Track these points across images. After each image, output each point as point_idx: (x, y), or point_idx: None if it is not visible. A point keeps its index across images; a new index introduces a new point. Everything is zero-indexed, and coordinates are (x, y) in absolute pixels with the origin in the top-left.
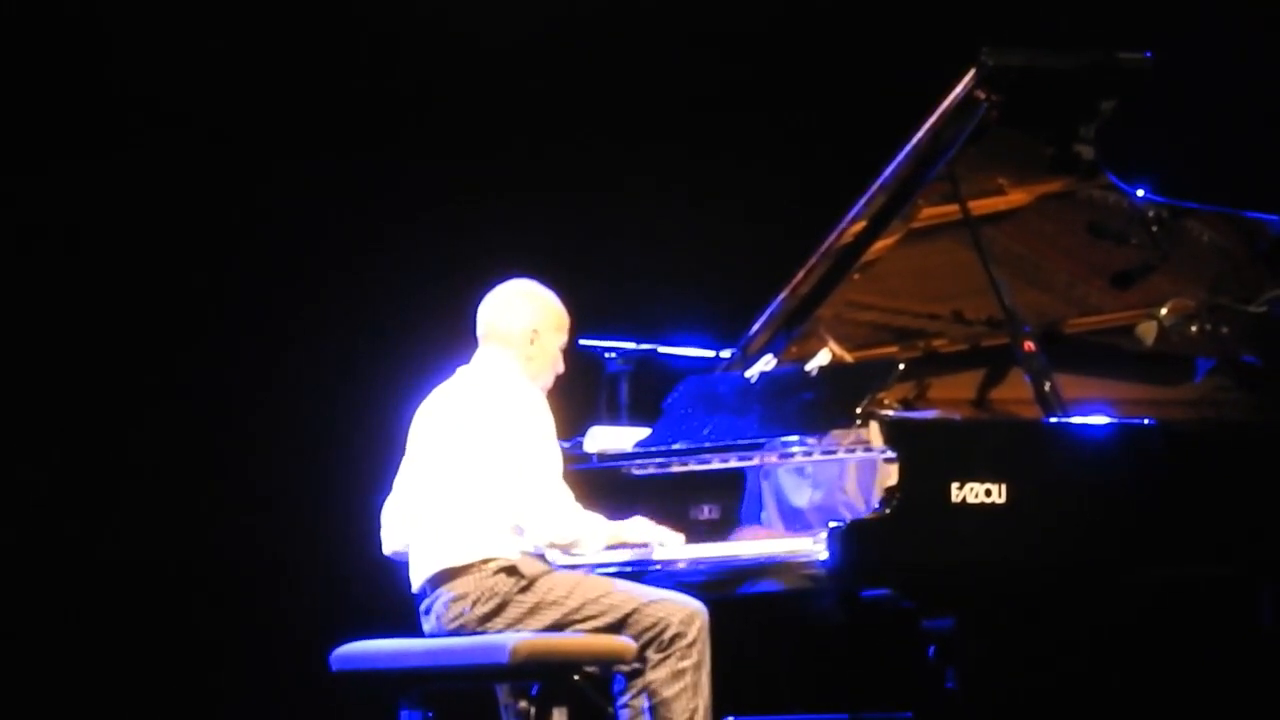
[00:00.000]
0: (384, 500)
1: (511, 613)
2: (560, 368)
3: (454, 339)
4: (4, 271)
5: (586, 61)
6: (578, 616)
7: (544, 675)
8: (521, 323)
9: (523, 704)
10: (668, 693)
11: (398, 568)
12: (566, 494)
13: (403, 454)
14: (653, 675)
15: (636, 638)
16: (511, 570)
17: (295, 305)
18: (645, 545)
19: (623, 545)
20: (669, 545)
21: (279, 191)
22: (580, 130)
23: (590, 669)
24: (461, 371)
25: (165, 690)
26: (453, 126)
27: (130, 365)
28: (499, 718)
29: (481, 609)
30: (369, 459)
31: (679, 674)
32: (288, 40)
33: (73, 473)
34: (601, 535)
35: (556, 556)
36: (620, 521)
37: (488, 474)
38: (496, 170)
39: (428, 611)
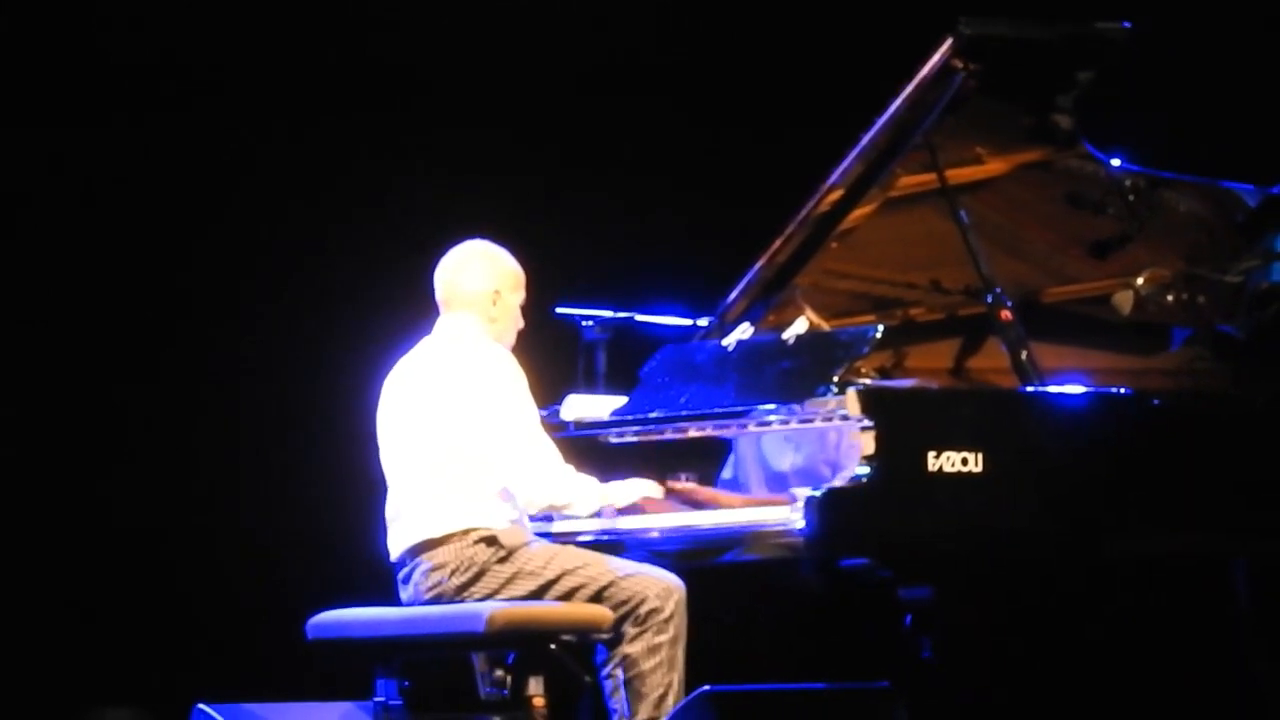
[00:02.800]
0: (361, 468)
1: (489, 582)
2: (520, 323)
3: (424, 308)
4: None
5: (562, 28)
6: (554, 588)
7: (520, 644)
8: (482, 284)
9: (499, 672)
10: (644, 667)
11: (375, 536)
12: (554, 453)
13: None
14: (629, 649)
15: (613, 610)
16: (491, 540)
17: (270, 277)
18: (635, 508)
19: (629, 509)
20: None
21: (248, 163)
22: (557, 98)
23: (567, 638)
24: (425, 341)
25: (143, 658)
26: (429, 96)
27: (106, 338)
28: (476, 686)
29: (459, 578)
30: (344, 428)
31: (655, 649)
32: (252, 12)
33: (53, 445)
34: (595, 495)
35: (542, 523)
36: (618, 482)
37: (466, 441)
38: (472, 140)
39: (406, 580)
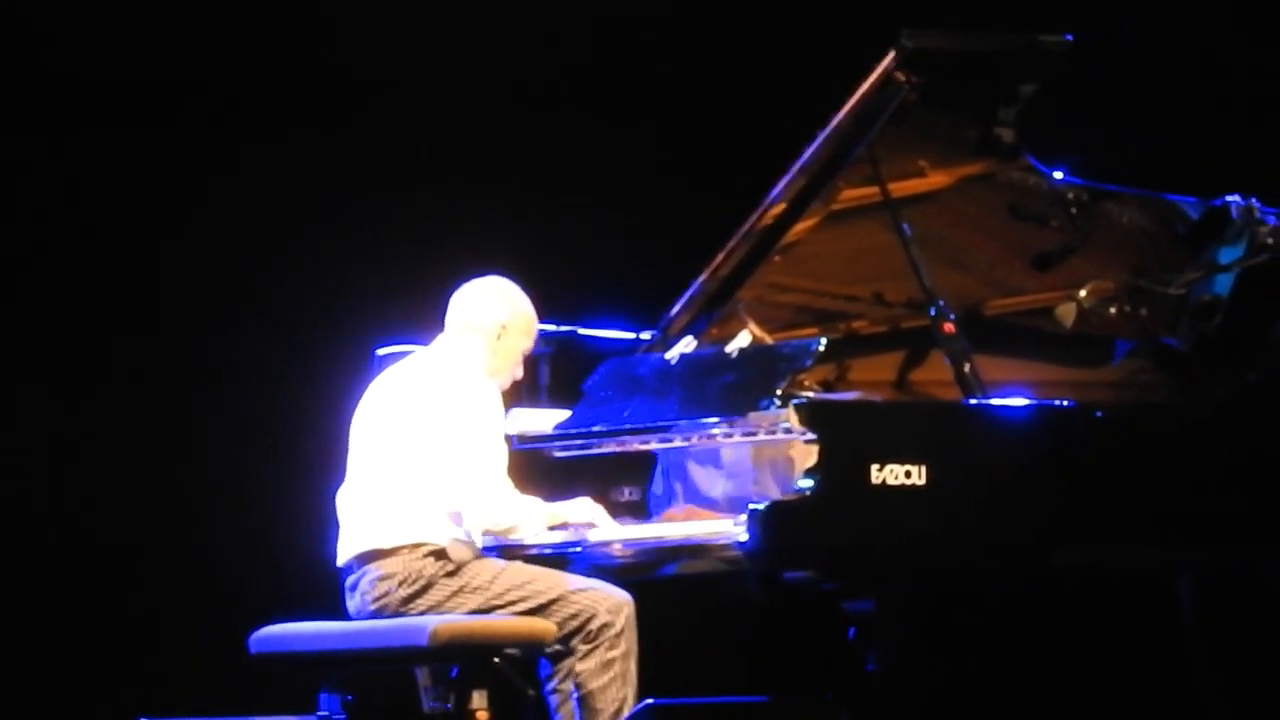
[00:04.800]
0: (307, 482)
1: (435, 596)
2: (519, 373)
3: (384, 323)
4: None
5: (505, 42)
6: (501, 602)
7: (464, 658)
8: (492, 316)
9: (443, 686)
10: (597, 683)
11: (320, 549)
12: (505, 483)
13: (331, 441)
14: (581, 665)
15: (561, 625)
16: (440, 554)
17: (218, 292)
18: (584, 526)
19: (564, 525)
20: (609, 528)
21: (225, 174)
22: (500, 112)
23: (511, 652)
24: (422, 353)
25: (85, 672)
26: (373, 114)
27: (53, 348)
28: (419, 700)
29: (406, 590)
30: (290, 443)
31: (608, 664)
32: (229, 20)
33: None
34: (540, 518)
35: (489, 541)
36: (563, 503)
37: (428, 457)
38: (417, 157)
39: (353, 589)
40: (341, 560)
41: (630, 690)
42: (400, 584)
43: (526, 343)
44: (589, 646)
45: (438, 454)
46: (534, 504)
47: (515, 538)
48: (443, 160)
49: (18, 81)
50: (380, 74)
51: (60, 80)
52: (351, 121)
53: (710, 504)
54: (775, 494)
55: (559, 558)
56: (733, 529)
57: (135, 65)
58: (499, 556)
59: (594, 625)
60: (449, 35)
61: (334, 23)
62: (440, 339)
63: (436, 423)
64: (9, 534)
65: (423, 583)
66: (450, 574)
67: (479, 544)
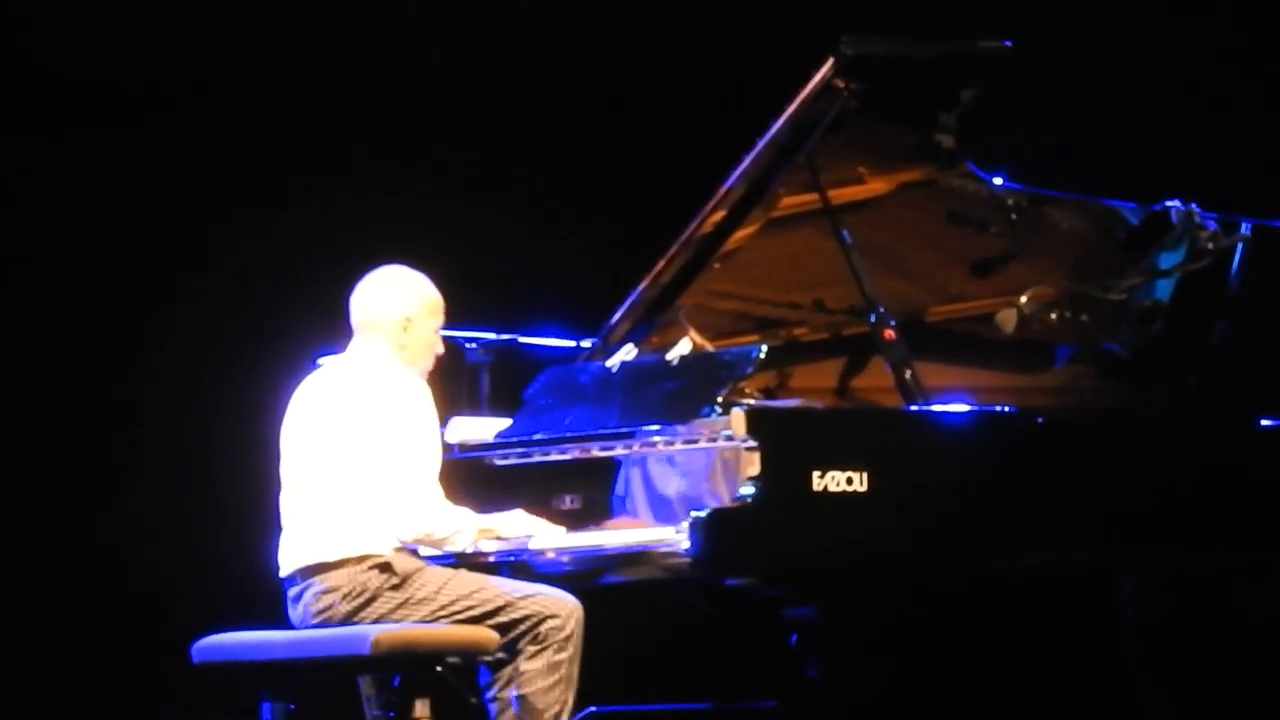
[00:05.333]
0: (250, 490)
1: (380, 608)
2: (439, 350)
3: (320, 330)
4: None
5: (446, 55)
6: (448, 612)
7: (405, 666)
8: (394, 310)
9: (385, 695)
10: (542, 684)
11: (263, 558)
12: (434, 489)
13: (270, 446)
14: (527, 666)
15: (508, 629)
16: (385, 567)
17: (160, 298)
18: (521, 539)
19: (497, 539)
20: (546, 537)
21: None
22: (441, 123)
23: (453, 660)
24: (335, 360)
25: (26, 681)
26: (311, 119)
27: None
28: (363, 710)
29: (350, 604)
30: (233, 450)
31: (554, 666)
32: (151, 34)
33: None
34: (472, 529)
35: (430, 549)
36: (497, 514)
37: (364, 466)
38: (355, 162)
39: (296, 600)
40: (284, 571)
41: (572, 694)
42: (344, 598)
43: (437, 321)
44: (537, 648)
45: (370, 463)
46: (465, 515)
47: (446, 549)
48: (381, 170)
49: None
50: (320, 87)
51: (16, 80)
52: (294, 132)
53: (664, 502)
54: (726, 494)
55: (502, 565)
56: (675, 536)
57: (90, 66)
58: (441, 564)
59: (543, 628)
60: (387, 48)
61: (272, 35)
62: (352, 344)
63: (363, 430)
64: None
65: (368, 595)
66: (395, 586)
67: (422, 550)
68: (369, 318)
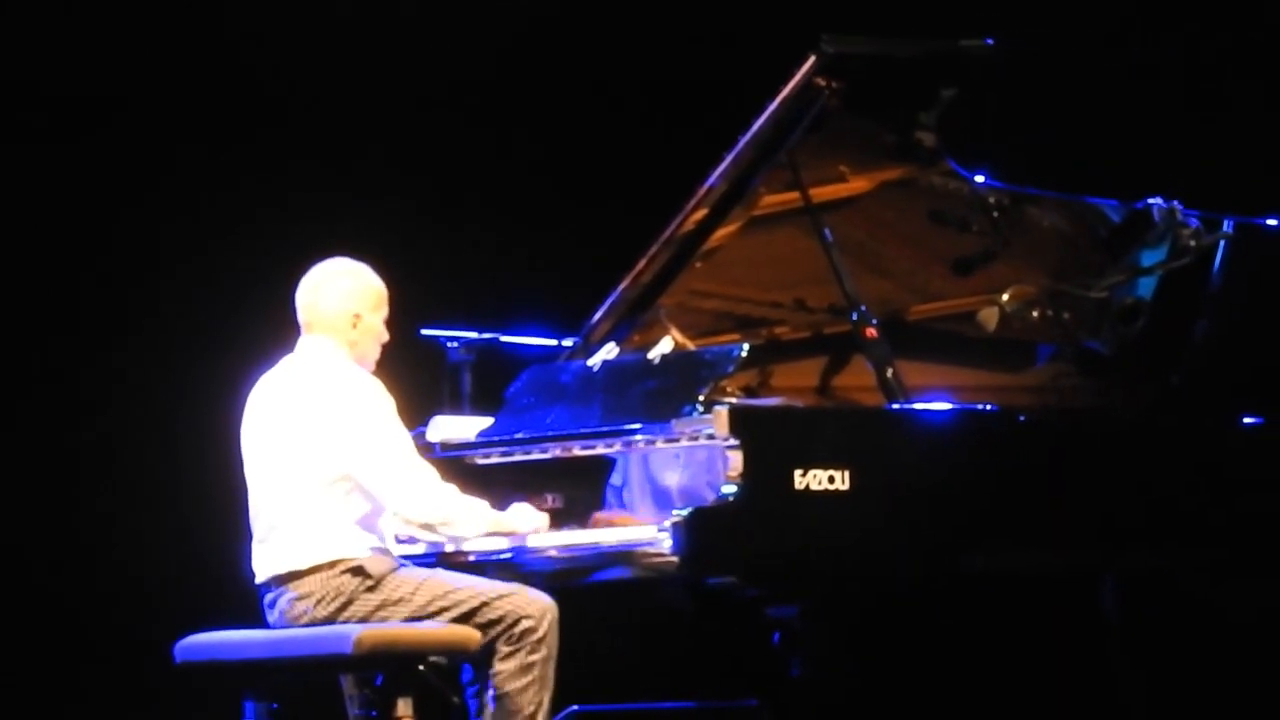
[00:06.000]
0: (229, 488)
1: (356, 610)
2: (385, 338)
3: (285, 327)
4: None
5: (428, 51)
6: (424, 613)
7: (388, 665)
8: (340, 305)
9: (368, 694)
10: (515, 685)
11: (244, 558)
12: (429, 471)
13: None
14: (501, 667)
15: (486, 630)
16: (358, 570)
17: (135, 295)
18: (530, 533)
19: (508, 534)
20: (545, 534)
21: (118, 181)
22: (422, 120)
23: (435, 659)
24: (286, 361)
25: (9, 683)
26: (294, 117)
27: None
28: (345, 709)
29: (326, 608)
30: (211, 448)
31: (528, 667)
32: (122, 28)
33: None
34: (481, 519)
35: (427, 536)
36: (504, 511)
37: (328, 469)
38: (338, 162)
39: (271, 605)
40: (258, 578)
41: (547, 695)
42: (318, 603)
43: (383, 312)
44: (510, 649)
45: (340, 464)
46: (478, 505)
47: (453, 533)
48: (362, 170)
49: None
50: (289, 83)
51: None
52: (268, 131)
53: (665, 495)
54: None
55: (480, 564)
56: (657, 535)
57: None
58: (421, 563)
59: (517, 629)
60: (365, 43)
61: (238, 33)
62: (301, 342)
63: (324, 433)
64: None
65: (343, 600)
66: (370, 589)
67: (395, 550)
68: (316, 316)
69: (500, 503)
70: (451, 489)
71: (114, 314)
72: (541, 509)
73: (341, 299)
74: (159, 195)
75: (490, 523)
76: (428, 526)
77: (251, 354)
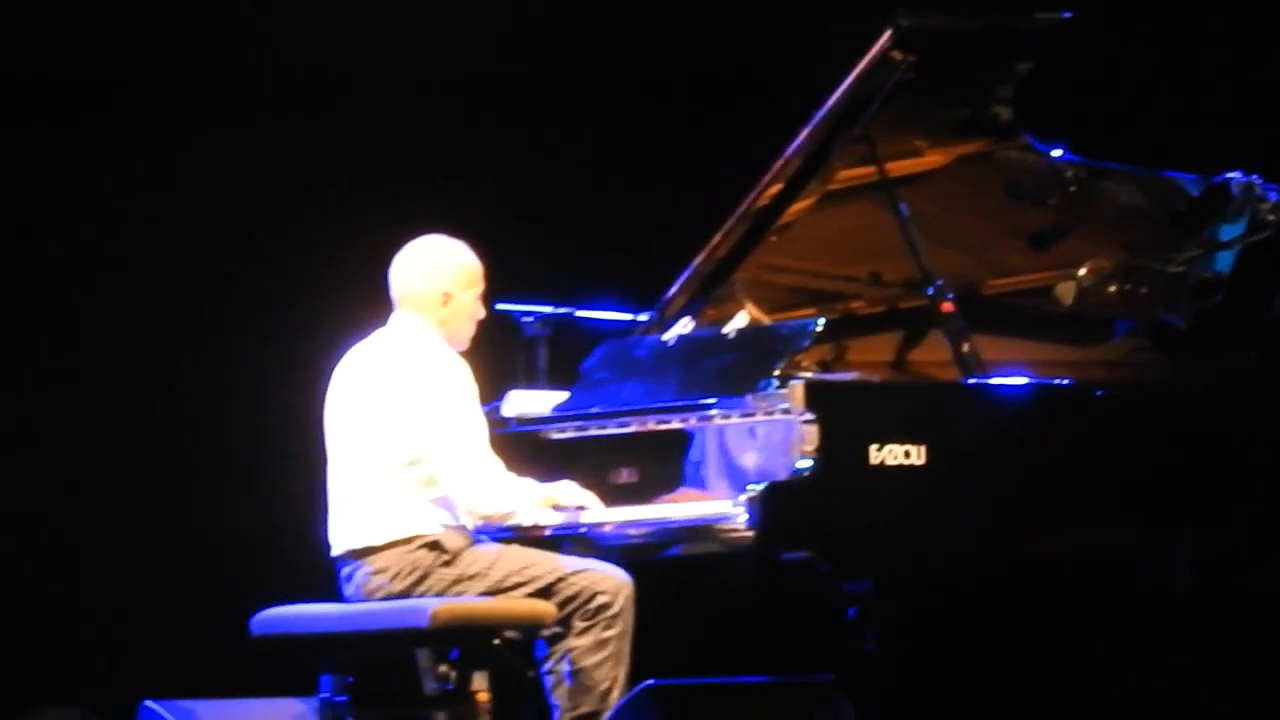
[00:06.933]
0: (307, 463)
1: (432, 585)
2: (480, 315)
3: (369, 303)
4: None
5: (508, 23)
6: (500, 588)
7: (464, 639)
8: (432, 284)
9: (443, 668)
10: (590, 660)
11: (321, 532)
12: (495, 464)
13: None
14: (576, 642)
15: (562, 606)
16: (434, 545)
17: (216, 269)
18: (575, 509)
19: (555, 508)
20: (594, 510)
21: (196, 158)
22: (499, 93)
23: (510, 633)
24: (377, 335)
25: (88, 656)
26: (368, 93)
27: (46, 332)
28: (420, 682)
29: (402, 583)
30: (290, 424)
31: (603, 643)
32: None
33: None
34: (535, 502)
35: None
36: (550, 485)
37: (407, 449)
38: (412, 136)
39: (348, 579)
40: (335, 551)
41: (622, 670)
42: (394, 577)
43: (476, 290)
44: (586, 624)
45: (414, 444)
46: (528, 486)
47: (512, 523)
48: (446, 146)
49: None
50: (374, 58)
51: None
52: (346, 107)
53: (740, 473)
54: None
55: (561, 540)
56: (733, 510)
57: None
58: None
59: (593, 605)
60: (441, 18)
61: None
62: (392, 318)
63: (405, 412)
64: (14, 519)
65: (419, 574)
66: (447, 564)
67: (470, 526)
68: (407, 293)
69: (572, 479)
70: (509, 480)
71: (188, 287)
72: (616, 484)
73: (432, 277)
74: (259, 169)
75: (541, 501)
76: (487, 519)
77: (335, 327)
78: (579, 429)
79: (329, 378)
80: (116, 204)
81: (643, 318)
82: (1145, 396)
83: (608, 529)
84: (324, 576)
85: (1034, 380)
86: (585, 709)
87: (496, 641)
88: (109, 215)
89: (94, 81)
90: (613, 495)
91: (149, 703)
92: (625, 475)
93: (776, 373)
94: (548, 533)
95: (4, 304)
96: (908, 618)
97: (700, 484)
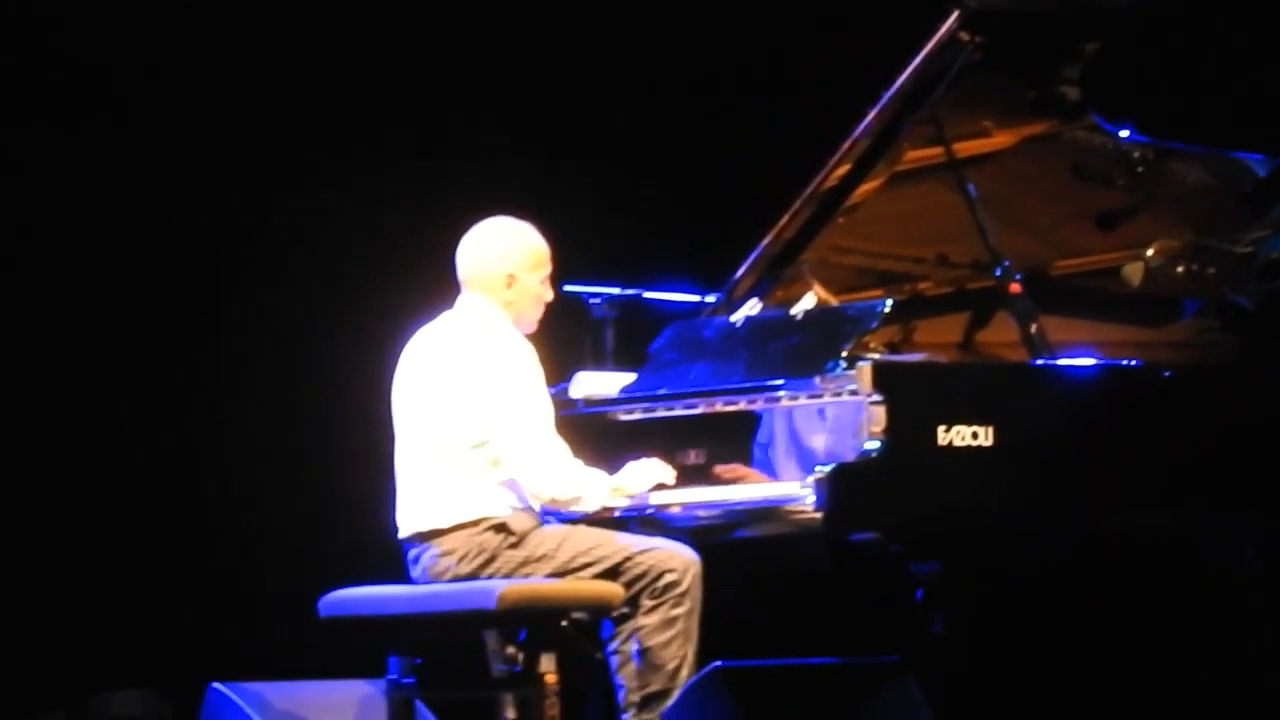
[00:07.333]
0: (373, 445)
1: (500, 567)
2: (548, 297)
3: (436, 284)
4: None
5: (569, 5)
6: (568, 569)
7: (531, 621)
8: (498, 266)
9: (510, 650)
10: (658, 639)
11: (387, 515)
12: (562, 448)
13: (389, 400)
14: (644, 621)
15: (629, 586)
16: (501, 527)
17: (280, 252)
18: (648, 492)
19: (626, 495)
20: (668, 491)
21: (261, 140)
22: (564, 74)
23: (578, 614)
24: (444, 317)
25: (156, 639)
26: (435, 70)
27: (113, 315)
28: (488, 664)
29: (469, 565)
30: (356, 406)
31: (671, 621)
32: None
33: (63, 422)
34: (602, 490)
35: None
36: (620, 472)
37: (473, 432)
38: (479, 116)
39: (415, 561)
40: (402, 533)
41: (691, 649)
42: (461, 559)
43: (543, 272)
44: (654, 603)
45: (480, 428)
46: (596, 475)
47: (578, 509)
48: (513, 126)
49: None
50: (438, 38)
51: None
52: (412, 87)
53: (808, 452)
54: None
55: (629, 520)
56: (801, 491)
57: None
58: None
59: (660, 583)
60: (514, 7)
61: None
62: (459, 300)
63: (472, 396)
64: (83, 501)
65: (486, 556)
66: (514, 546)
67: (537, 507)
68: (473, 274)
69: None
70: (577, 465)
71: (270, 266)
72: (684, 465)
73: (497, 259)
74: (327, 150)
75: (609, 491)
76: (553, 503)
77: (403, 309)
78: (646, 410)
79: (396, 360)
80: (184, 186)
81: (710, 299)
82: (1213, 377)
83: (675, 510)
84: (391, 559)
85: (1102, 361)
86: (654, 687)
87: (564, 623)
88: (177, 197)
89: (151, 64)
90: (680, 476)
91: (217, 685)
92: (693, 457)
93: (844, 354)
94: (616, 514)
95: (69, 281)
96: (975, 599)
97: (768, 466)
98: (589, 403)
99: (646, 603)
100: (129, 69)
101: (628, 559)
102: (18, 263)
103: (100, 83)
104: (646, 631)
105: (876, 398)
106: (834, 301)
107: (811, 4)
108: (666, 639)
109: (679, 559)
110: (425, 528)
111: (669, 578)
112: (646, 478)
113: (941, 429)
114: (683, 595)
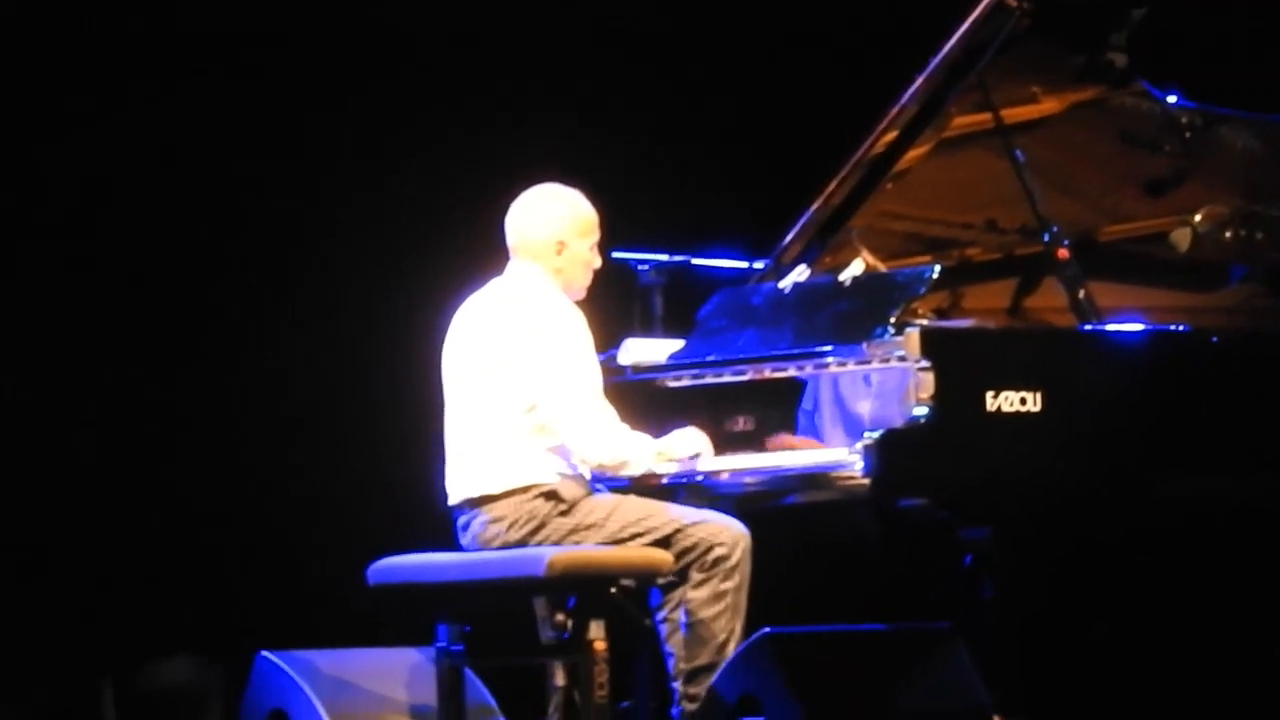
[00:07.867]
0: (422, 413)
1: (549, 534)
2: (596, 264)
3: (486, 252)
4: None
5: None
6: (617, 538)
7: (580, 588)
8: (547, 233)
9: (559, 617)
10: (708, 612)
11: (436, 482)
12: (609, 414)
13: (438, 368)
14: (693, 594)
15: (679, 558)
16: (551, 495)
17: (329, 221)
18: (693, 458)
19: (671, 460)
20: (708, 457)
21: (310, 111)
22: (612, 41)
23: (626, 582)
24: (494, 284)
25: (206, 607)
26: (482, 39)
27: (165, 293)
28: (536, 631)
29: (519, 532)
30: (405, 374)
31: (720, 595)
32: None
33: (112, 392)
34: (649, 454)
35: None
36: (665, 438)
37: (523, 397)
38: (527, 83)
39: (464, 528)
40: (452, 500)
41: (739, 622)
42: (510, 526)
43: (591, 239)
44: (703, 576)
45: (530, 393)
46: (642, 440)
47: (625, 474)
48: (561, 94)
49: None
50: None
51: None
52: (464, 57)
53: (855, 419)
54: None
55: (677, 488)
56: (849, 457)
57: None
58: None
59: (710, 556)
60: None
61: None
62: (509, 266)
63: (521, 362)
64: (133, 471)
65: (535, 523)
66: (564, 513)
67: (587, 474)
68: (522, 241)
69: (688, 426)
70: (623, 431)
71: (320, 235)
72: (733, 432)
73: (546, 226)
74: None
75: (655, 455)
76: (600, 468)
77: (453, 276)
78: (695, 377)
79: (446, 327)
80: (240, 161)
81: (759, 265)
82: (1261, 343)
83: (724, 477)
84: (441, 526)
85: (1150, 326)
86: (702, 660)
87: (613, 590)
88: (231, 172)
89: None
90: (728, 443)
91: (266, 653)
92: (741, 423)
93: (892, 320)
94: (664, 481)
95: (135, 263)
96: (1025, 565)
97: (814, 432)
98: (637, 369)
99: (696, 576)
100: (183, 36)
101: (678, 531)
102: (87, 230)
103: (147, 62)
104: (695, 604)
105: (925, 364)
106: (882, 268)
107: None
108: (715, 613)
109: (729, 533)
110: (476, 494)
111: (719, 551)
112: (692, 443)
113: (990, 394)
114: (732, 569)
